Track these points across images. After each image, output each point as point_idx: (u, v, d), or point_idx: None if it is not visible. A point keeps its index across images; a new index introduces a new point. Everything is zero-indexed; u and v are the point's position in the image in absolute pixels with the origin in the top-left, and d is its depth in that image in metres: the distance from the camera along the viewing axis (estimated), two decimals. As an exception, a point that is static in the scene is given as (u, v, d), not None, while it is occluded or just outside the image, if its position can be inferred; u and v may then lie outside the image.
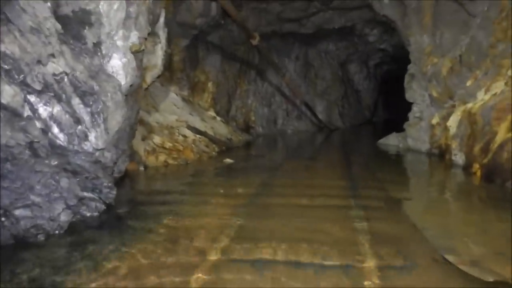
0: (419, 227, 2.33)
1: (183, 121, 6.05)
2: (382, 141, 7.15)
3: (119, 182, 3.50)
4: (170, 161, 4.73)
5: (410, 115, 6.56)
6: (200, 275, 1.67)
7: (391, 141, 7.01)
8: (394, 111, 20.20)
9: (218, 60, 7.92)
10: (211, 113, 7.48)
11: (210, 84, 7.79)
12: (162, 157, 4.72)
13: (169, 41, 6.32)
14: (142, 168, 4.32)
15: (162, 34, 4.32)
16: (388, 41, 11.51)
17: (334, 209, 2.71)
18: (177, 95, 6.66)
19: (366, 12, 7.91)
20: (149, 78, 4.35)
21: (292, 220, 2.45)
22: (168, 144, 4.99)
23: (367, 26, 9.73)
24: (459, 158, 4.48)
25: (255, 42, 5.59)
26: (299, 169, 4.39)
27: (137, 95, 4.01)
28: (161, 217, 2.50)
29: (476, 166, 3.95)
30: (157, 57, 4.23)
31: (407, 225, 2.41)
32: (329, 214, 2.59)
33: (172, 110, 6.23)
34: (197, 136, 5.85)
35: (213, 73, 7.85)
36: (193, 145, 5.42)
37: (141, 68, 3.80)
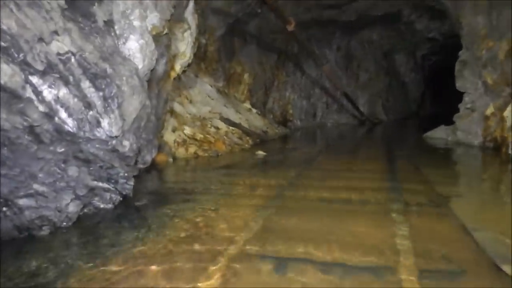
0: (470, 228, 2.00)
1: (216, 113, 5.89)
2: (429, 134, 6.64)
3: (145, 173, 3.38)
4: (200, 153, 4.58)
5: (461, 106, 6.03)
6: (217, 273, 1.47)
7: (439, 134, 6.49)
8: (442, 105, 19.17)
9: (255, 51, 7.70)
10: (247, 105, 7.29)
11: (246, 76, 7.59)
12: (192, 149, 4.58)
13: (203, 30, 6.20)
14: (171, 160, 4.19)
15: (192, 20, 4.14)
16: (437, 29, 10.78)
17: (372, 207, 2.41)
18: (212, 86, 6.51)
19: (412, -4, 7.38)
20: (178, 66, 4.19)
21: (323, 219, 2.19)
22: (199, 136, 4.84)
23: (414, 13, 9.12)
24: (517, 152, 4.00)
25: (290, 28, 5.30)
26: (334, 163, 4.09)
27: (165, 84, 3.87)
28: (182, 211, 2.32)
29: (538, 161, 3.48)
30: (187, 45, 4.06)
31: (456, 226, 2.07)
32: (366, 214, 2.31)
33: (206, 101, 6.09)
34: (230, 128, 5.67)
35: (250, 64, 7.65)
36: (225, 137, 5.24)
37: (168, 55, 3.65)
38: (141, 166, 3.38)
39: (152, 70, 3.11)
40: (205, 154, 4.59)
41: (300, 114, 9.23)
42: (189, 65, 4.55)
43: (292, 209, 2.38)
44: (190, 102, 5.67)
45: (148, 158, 3.56)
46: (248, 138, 5.91)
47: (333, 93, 9.80)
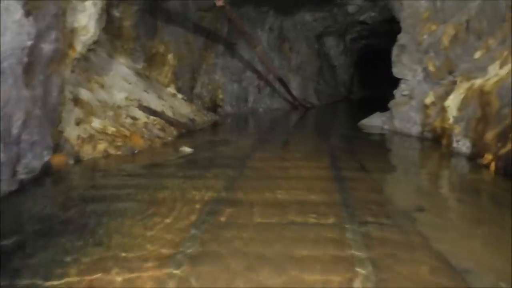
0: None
1: (134, 100, 5.07)
2: (365, 121, 6.39)
3: (33, 184, 2.57)
4: (112, 151, 3.78)
5: (397, 93, 5.81)
6: None
7: (375, 122, 6.26)
8: (370, 89, 19.68)
9: (180, 29, 6.87)
10: (171, 89, 6.50)
11: (170, 57, 6.76)
12: (101, 146, 3.76)
13: (118, 3, 5.27)
14: (71, 162, 3.36)
15: (95, -14, 3.30)
16: (368, 12, 10.67)
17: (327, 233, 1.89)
18: (129, 68, 5.63)
19: (348, -24, 6.99)
20: (79, 44, 3.34)
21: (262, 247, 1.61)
22: (111, 129, 4.03)
23: (347, -7, 8.83)
24: (462, 145, 3.75)
25: (219, 2, 4.60)
26: (272, 162, 3.53)
27: (58, 66, 3.02)
28: (77, 251, 1.61)
29: (488, 157, 3.21)
30: (89, 17, 3.22)
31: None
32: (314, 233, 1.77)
33: (122, 86, 5.22)
34: (151, 118, 4.89)
35: (175, 44, 6.82)
36: (144, 129, 4.47)
37: (60, 29, 2.80)
38: (24, 176, 2.57)
39: (31, 49, 2.29)
40: (118, 152, 3.81)
41: (231, 99, 8.59)
42: (95, 43, 3.69)
43: (218, 238, 1.77)
44: (102, 87, 4.78)
45: (36, 164, 2.75)
46: (172, 129, 5.18)
47: (265, 76, 9.27)
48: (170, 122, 5.22)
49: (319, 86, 12.71)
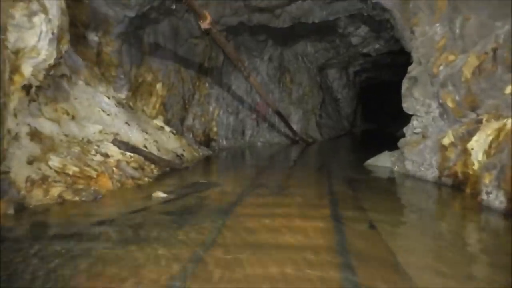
0: None
1: (110, 134, 4.46)
2: (372, 161, 5.73)
3: None
4: (68, 196, 3.12)
5: (407, 130, 5.19)
6: None
7: (383, 162, 5.60)
8: (373, 121, 19.13)
9: (170, 57, 6.36)
10: (158, 122, 5.90)
11: (159, 86, 6.21)
12: (55, 190, 3.11)
13: (94, 25, 4.76)
14: (11, 211, 2.70)
15: (48, 0, 2.74)
16: (372, 44, 10.23)
17: None
18: (109, 98, 5.04)
19: (352, 4, 6.53)
20: (28, 69, 2.74)
21: None
22: (73, 169, 3.38)
23: (351, 24, 8.37)
24: (494, 198, 3.07)
25: (205, 24, 4.04)
26: (262, 217, 2.85)
27: (-7, 94, 2.42)
28: None
29: (532, 216, 2.54)
30: (39, 36, 2.64)
31: None
32: None
33: (98, 118, 4.62)
34: (127, 154, 4.26)
35: (164, 72, 6.29)
36: (114, 168, 3.82)
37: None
38: None
39: None
40: (76, 197, 3.15)
41: (226, 132, 7.99)
42: (51, 68, 3.10)
43: None
44: (72, 118, 4.19)
45: None
46: (152, 167, 4.54)
47: (263, 109, 8.71)
48: (151, 159, 4.58)
49: (321, 119, 12.14)
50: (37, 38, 2.63)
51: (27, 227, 2.50)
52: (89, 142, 4.05)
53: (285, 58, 9.97)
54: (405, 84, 5.02)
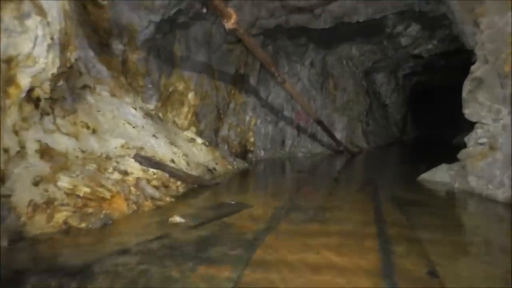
0: None
1: (133, 148, 4.12)
2: (427, 176, 5.01)
3: None
4: (75, 222, 2.76)
5: (470, 140, 4.46)
6: None
7: (440, 177, 4.87)
8: (424, 128, 17.91)
9: (203, 64, 6.00)
10: (189, 133, 5.54)
11: (191, 95, 5.86)
12: (60, 215, 2.76)
13: (118, 31, 4.47)
14: (4, 243, 2.36)
15: (52, 2, 2.41)
16: (423, 44, 9.39)
17: None
18: (136, 109, 4.73)
19: (402, -1, 5.86)
20: (25, 79, 2.42)
21: None
22: (84, 190, 3.03)
23: (400, 22, 7.64)
24: None
25: (229, 24, 3.60)
26: (294, 253, 2.33)
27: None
28: None
29: None
30: (33, 42, 2.30)
31: None
32: None
33: (122, 130, 4.31)
34: (150, 171, 3.89)
35: (196, 80, 5.93)
36: (132, 188, 3.44)
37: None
38: None
39: None
40: (82, 223, 2.78)
41: (264, 142, 7.53)
42: (57, 77, 2.77)
43: None
44: (93, 132, 3.88)
45: None
46: (178, 184, 4.14)
47: (303, 119, 8.17)
48: (177, 175, 4.19)
49: (368, 127, 11.38)
50: (32, 44, 2.30)
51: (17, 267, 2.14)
52: (107, 158, 3.72)
53: (328, 62, 9.37)
54: (466, 87, 4.31)
